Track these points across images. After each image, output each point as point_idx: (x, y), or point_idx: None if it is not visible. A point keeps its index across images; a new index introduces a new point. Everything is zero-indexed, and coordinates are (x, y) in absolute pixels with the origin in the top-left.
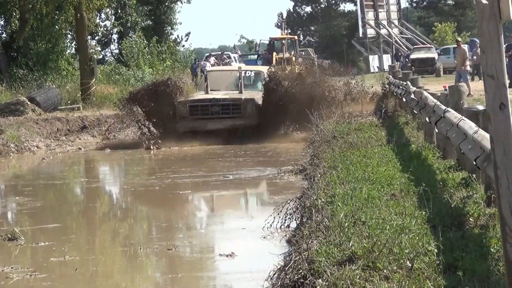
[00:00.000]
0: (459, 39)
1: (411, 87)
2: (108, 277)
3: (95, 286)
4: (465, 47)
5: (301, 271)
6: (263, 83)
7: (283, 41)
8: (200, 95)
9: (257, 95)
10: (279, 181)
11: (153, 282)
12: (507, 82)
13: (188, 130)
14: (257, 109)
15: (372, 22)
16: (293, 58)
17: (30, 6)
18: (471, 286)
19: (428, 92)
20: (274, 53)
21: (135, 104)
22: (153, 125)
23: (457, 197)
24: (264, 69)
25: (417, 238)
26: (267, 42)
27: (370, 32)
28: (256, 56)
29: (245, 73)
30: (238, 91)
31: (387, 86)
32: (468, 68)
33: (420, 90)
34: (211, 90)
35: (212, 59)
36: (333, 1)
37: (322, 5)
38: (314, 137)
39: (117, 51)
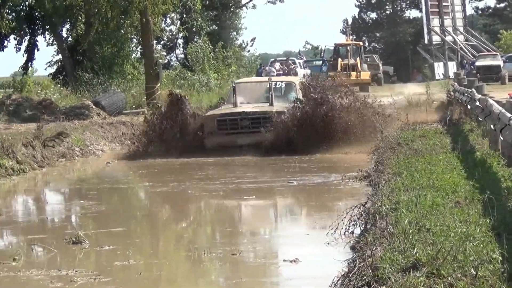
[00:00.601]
0: None
1: (476, 94)
2: (172, 282)
3: None
4: None
5: (365, 277)
6: (297, 97)
7: (348, 47)
8: (228, 109)
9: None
10: (344, 187)
11: (216, 287)
12: None
13: (216, 145)
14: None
15: (437, 29)
16: (358, 64)
17: (96, 10)
18: None
19: (493, 100)
20: (339, 59)
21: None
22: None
23: None
24: (296, 79)
25: (481, 245)
26: (332, 48)
27: (436, 39)
28: (321, 62)
29: (275, 84)
30: (268, 104)
31: (452, 93)
32: None
33: (485, 97)
34: (240, 103)
35: (277, 65)
36: (399, 8)
37: (388, 12)
38: (378, 143)
39: (182, 55)
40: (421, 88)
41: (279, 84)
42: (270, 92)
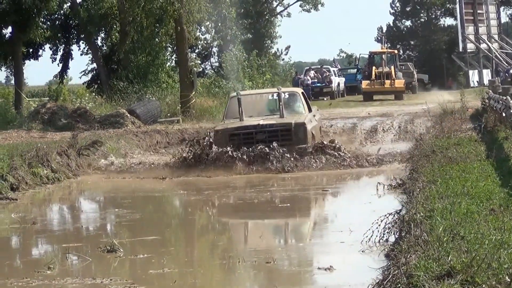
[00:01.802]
0: None
1: (511, 102)
2: None
3: None
4: None
5: (399, 285)
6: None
7: (383, 55)
8: (239, 122)
9: (304, 118)
10: (378, 194)
11: None
12: None
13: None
14: (309, 135)
15: (472, 37)
16: (393, 72)
17: (131, 18)
18: None
19: None
20: (374, 67)
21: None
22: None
23: None
24: (299, 90)
25: None
26: (367, 56)
27: (470, 46)
28: (355, 70)
29: (278, 95)
30: (276, 116)
31: (486, 100)
32: None
33: None
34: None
35: (312, 73)
36: (433, 16)
37: (422, 20)
38: (413, 151)
39: (217, 64)
40: (456, 95)
41: (282, 95)
42: (280, 103)
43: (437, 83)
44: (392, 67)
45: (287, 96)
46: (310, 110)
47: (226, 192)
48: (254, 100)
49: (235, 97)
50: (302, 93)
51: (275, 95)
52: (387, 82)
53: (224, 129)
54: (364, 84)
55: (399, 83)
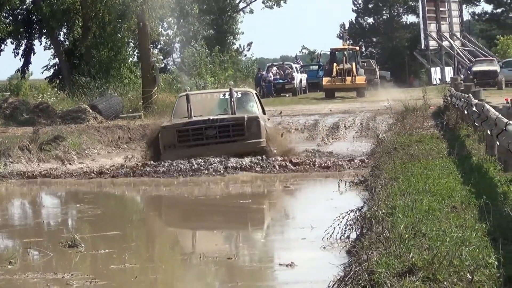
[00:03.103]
0: None
1: (473, 99)
2: (167, 285)
3: None
4: None
5: (361, 282)
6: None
7: (345, 52)
8: (185, 119)
9: (257, 114)
10: (340, 192)
11: None
12: None
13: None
14: (262, 130)
15: (434, 34)
16: (354, 69)
17: (93, 14)
18: None
19: (490, 105)
20: (335, 64)
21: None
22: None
23: None
24: (253, 90)
25: (477, 250)
26: (329, 52)
27: (432, 44)
28: (317, 66)
29: (226, 94)
30: (228, 114)
31: (448, 98)
32: None
33: (482, 102)
34: (194, 116)
35: (274, 69)
36: (395, 13)
37: (384, 17)
38: (375, 148)
39: (179, 60)
40: (418, 93)
41: (234, 93)
42: (232, 100)
43: (399, 80)
44: (354, 64)
45: (240, 95)
46: (264, 112)
47: (186, 188)
48: (204, 99)
49: (183, 96)
50: (256, 94)
51: (226, 94)
52: (348, 78)
53: (172, 125)
54: (325, 80)
55: (360, 79)
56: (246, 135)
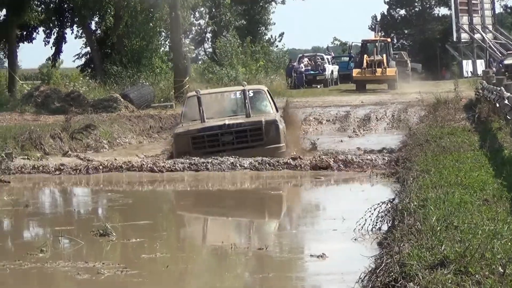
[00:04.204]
0: None
1: (505, 92)
2: (198, 275)
3: (185, 283)
4: None
5: (392, 274)
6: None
7: (376, 44)
8: (199, 124)
9: (274, 116)
10: (371, 183)
11: (242, 281)
12: None
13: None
14: (282, 134)
15: (466, 27)
16: (385, 61)
17: (125, 3)
18: None
19: None
20: (365, 56)
21: None
22: None
23: None
24: (264, 87)
25: (509, 243)
26: (360, 44)
27: (464, 36)
28: (348, 58)
29: (240, 93)
30: (242, 116)
31: (480, 91)
32: None
33: None
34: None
35: (306, 60)
36: (428, 5)
37: (417, 9)
38: (407, 140)
39: (210, 50)
40: (449, 85)
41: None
42: (246, 101)
43: (430, 73)
44: (385, 56)
45: (251, 94)
46: (276, 109)
47: (217, 181)
48: (214, 99)
49: (194, 97)
50: (268, 90)
51: (237, 93)
52: (379, 70)
53: (185, 131)
54: (355, 72)
55: (391, 71)
56: (265, 140)
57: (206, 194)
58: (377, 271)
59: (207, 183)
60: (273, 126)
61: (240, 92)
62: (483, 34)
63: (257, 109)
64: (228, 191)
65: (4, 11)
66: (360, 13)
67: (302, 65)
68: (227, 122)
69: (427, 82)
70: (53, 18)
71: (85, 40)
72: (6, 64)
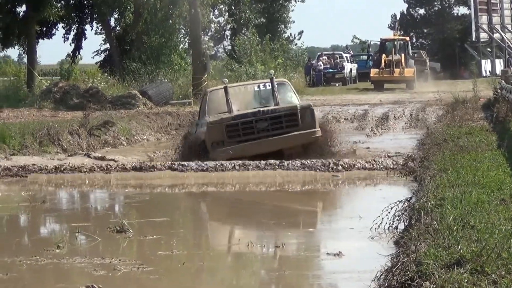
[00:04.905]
0: None
1: None
2: (214, 272)
3: (201, 280)
4: None
5: (408, 273)
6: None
7: (395, 42)
8: (232, 113)
9: (307, 102)
10: (388, 182)
11: (259, 278)
12: None
13: (229, 157)
14: (316, 119)
15: (485, 26)
16: (403, 60)
17: (145, 0)
18: None
19: None
20: (384, 55)
21: None
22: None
23: None
24: (287, 80)
25: None
26: (379, 43)
27: (483, 36)
28: (367, 56)
29: (264, 86)
30: (270, 105)
31: (499, 90)
32: None
33: None
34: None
35: (325, 58)
36: (447, 4)
37: (436, 8)
38: (424, 139)
39: (229, 47)
40: (468, 84)
41: (269, 85)
42: (274, 89)
43: (449, 72)
44: (403, 55)
45: (276, 86)
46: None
47: (235, 179)
48: (239, 92)
49: (217, 90)
50: (290, 84)
51: (261, 86)
52: (397, 70)
53: (219, 119)
54: (373, 72)
55: (409, 71)
56: (301, 125)
57: (226, 193)
58: (393, 269)
59: (231, 182)
60: (308, 110)
61: (263, 84)
62: (502, 34)
63: (283, 100)
64: (245, 193)
65: (24, 7)
66: (380, 12)
67: (320, 63)
68: (260, 108)
69: (445, 81)
70: (72, 14)
71: (104, 36)
72: (25, 60)
